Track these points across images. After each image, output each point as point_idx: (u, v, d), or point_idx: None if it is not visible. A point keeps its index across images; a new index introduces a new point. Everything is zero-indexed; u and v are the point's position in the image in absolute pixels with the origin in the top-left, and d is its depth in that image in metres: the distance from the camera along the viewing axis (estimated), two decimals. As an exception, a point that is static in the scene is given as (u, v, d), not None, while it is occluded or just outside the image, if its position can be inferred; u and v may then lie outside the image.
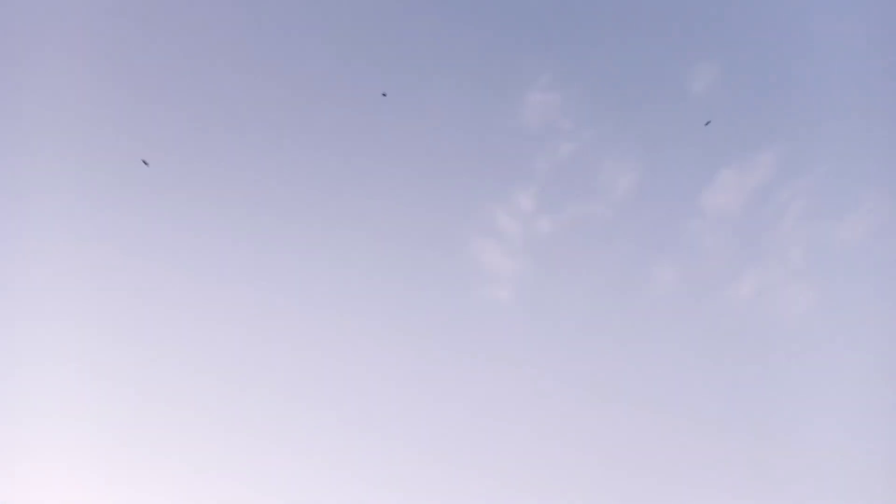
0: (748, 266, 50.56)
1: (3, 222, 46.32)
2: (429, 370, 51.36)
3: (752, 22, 54.33)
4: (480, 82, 56.63)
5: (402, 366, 50.83)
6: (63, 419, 41.62)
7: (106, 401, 43.92)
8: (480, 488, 44.35)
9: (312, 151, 55.39)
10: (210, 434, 43.67)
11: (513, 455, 46.30)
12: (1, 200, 46.79)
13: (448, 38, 58.11)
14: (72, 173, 49.46)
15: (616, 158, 53.68)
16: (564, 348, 50.87)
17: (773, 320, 49.87)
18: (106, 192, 49.30)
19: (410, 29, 57.81)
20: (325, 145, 55.83)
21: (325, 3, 57.17)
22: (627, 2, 57.07)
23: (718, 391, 47.70)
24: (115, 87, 51.77)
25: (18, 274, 46.49)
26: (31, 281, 46.46)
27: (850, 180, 48.60)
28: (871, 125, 48.62)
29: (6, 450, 39.36)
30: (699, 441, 45.27)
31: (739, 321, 50.47)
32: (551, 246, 54.52)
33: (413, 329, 52.67)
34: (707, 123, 47.60)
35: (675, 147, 52.23)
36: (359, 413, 47.59)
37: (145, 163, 45.33)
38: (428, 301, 53.49)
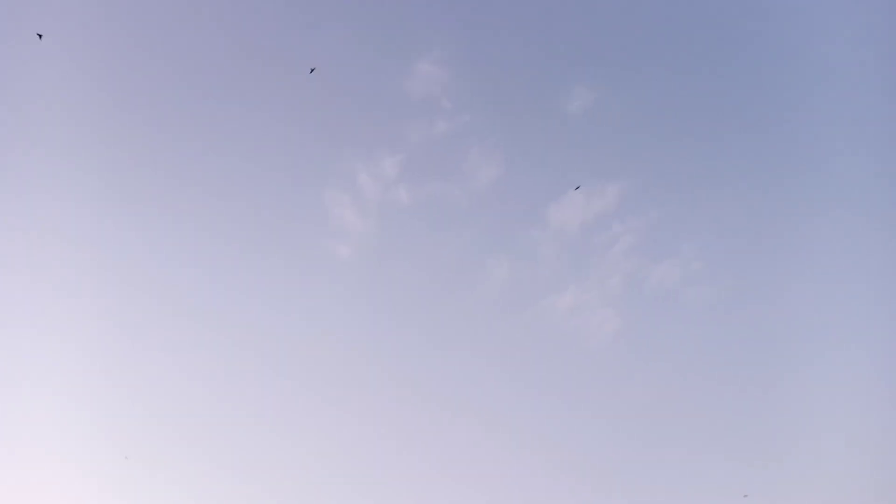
0: (571, 283, 54.08)
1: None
2: (256, 305, 52.44)
3: (636, 60, 55.57)
4: (372, 36, 55.25)
5: (236, 304, 51.64)
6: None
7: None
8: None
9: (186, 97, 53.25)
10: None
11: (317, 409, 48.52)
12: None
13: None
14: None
15: (484, 150, 55.03)
16: (386, 318, 53.16)
17: (582, 337, 54.05)
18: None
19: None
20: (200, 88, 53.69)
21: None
22: (538, 11, 56.60)
23: (519, 394, 51.35)
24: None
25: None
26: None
27: (674, 232, 52.44)
28: (709, 179, 52.03)
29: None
30: (482, 437, 48.75)
31: (553, 331, 54.26)
32: (404, 217, 55.88)
33: (252, 267, 53.14)
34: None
35: (539, 156, 54.07)
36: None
37: (39, 35, 42.71)
38: (269, 241, 53.86)
